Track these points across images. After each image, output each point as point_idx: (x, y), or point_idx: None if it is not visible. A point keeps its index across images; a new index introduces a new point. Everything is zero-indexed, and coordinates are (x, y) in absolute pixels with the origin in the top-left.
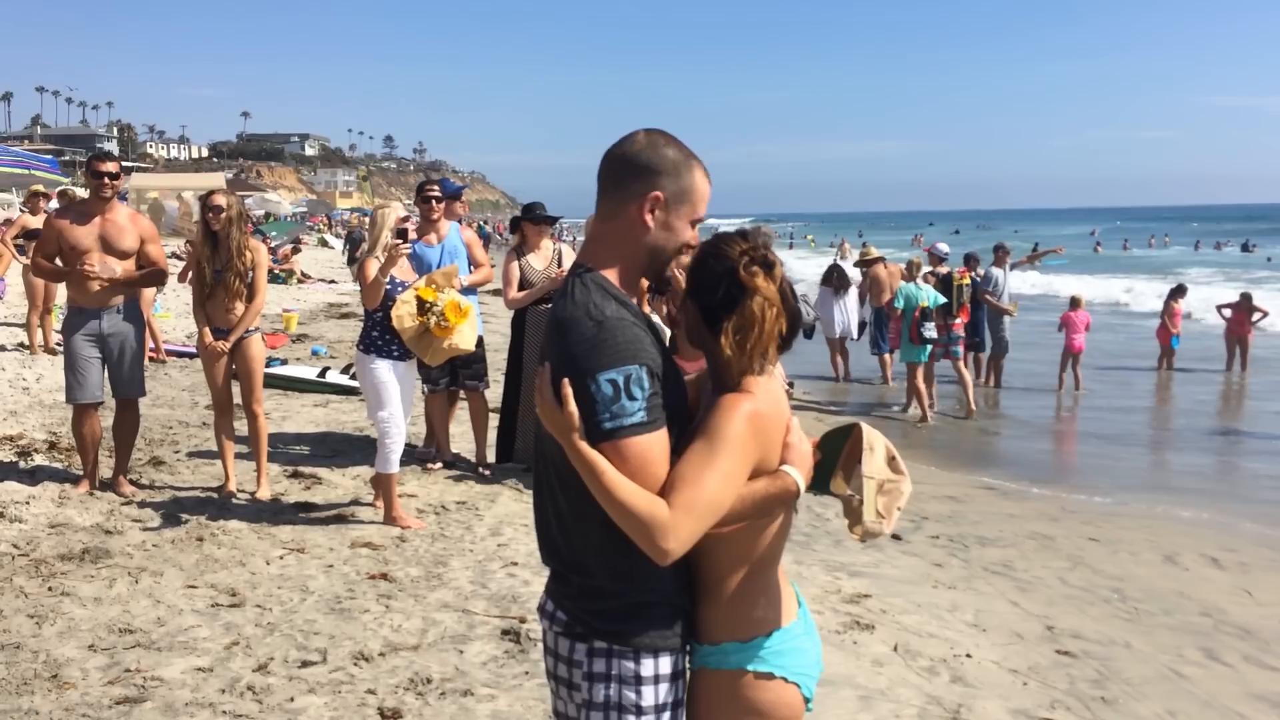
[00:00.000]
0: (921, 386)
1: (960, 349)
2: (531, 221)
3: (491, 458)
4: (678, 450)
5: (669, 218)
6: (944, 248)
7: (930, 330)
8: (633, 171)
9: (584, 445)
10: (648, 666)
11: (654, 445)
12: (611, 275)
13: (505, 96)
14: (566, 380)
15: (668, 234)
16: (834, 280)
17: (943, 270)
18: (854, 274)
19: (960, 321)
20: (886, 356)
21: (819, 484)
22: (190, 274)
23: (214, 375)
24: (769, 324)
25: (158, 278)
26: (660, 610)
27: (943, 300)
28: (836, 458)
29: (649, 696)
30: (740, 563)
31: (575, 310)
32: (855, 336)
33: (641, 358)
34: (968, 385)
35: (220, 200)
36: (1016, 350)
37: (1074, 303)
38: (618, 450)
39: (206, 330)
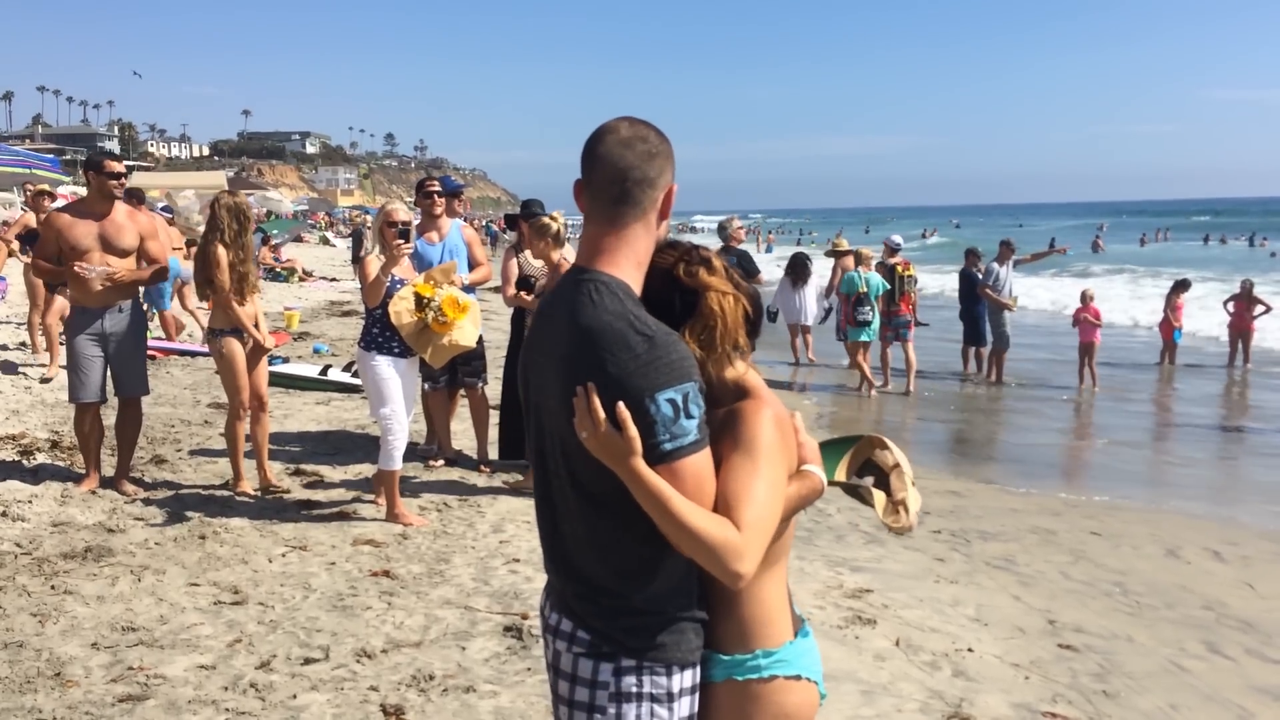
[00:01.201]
0: (862, 363)
1: (909, 331)
2: (528, 219)
3: (493, 455)
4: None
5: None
6: (898, 239)
7: (865, 314)
8: (658, 166)
9: (649, 472)
10: (677, 681)
11: (706, 464)
12: (631, 282)
13: (506, 94)
14: (622, 404)
15: (664, 227)
16: (794, 271)
17: (891, 260)
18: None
19: (903, 309)
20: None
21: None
22: (219, 278)
23: (243, 375)
24: (730, 313)
25: (159, 275)
26: (689, 621)
27: (886, 287)
28: (835, 461)
29: (679, 712)
30: (761, 570)
31: (614, 321)
32: (812, 323)
33: (693, 374)
34: (912, 367)
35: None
36: (1019, 348)
37: (1085, 297)
38: (675, 471)
39: (254, 329)
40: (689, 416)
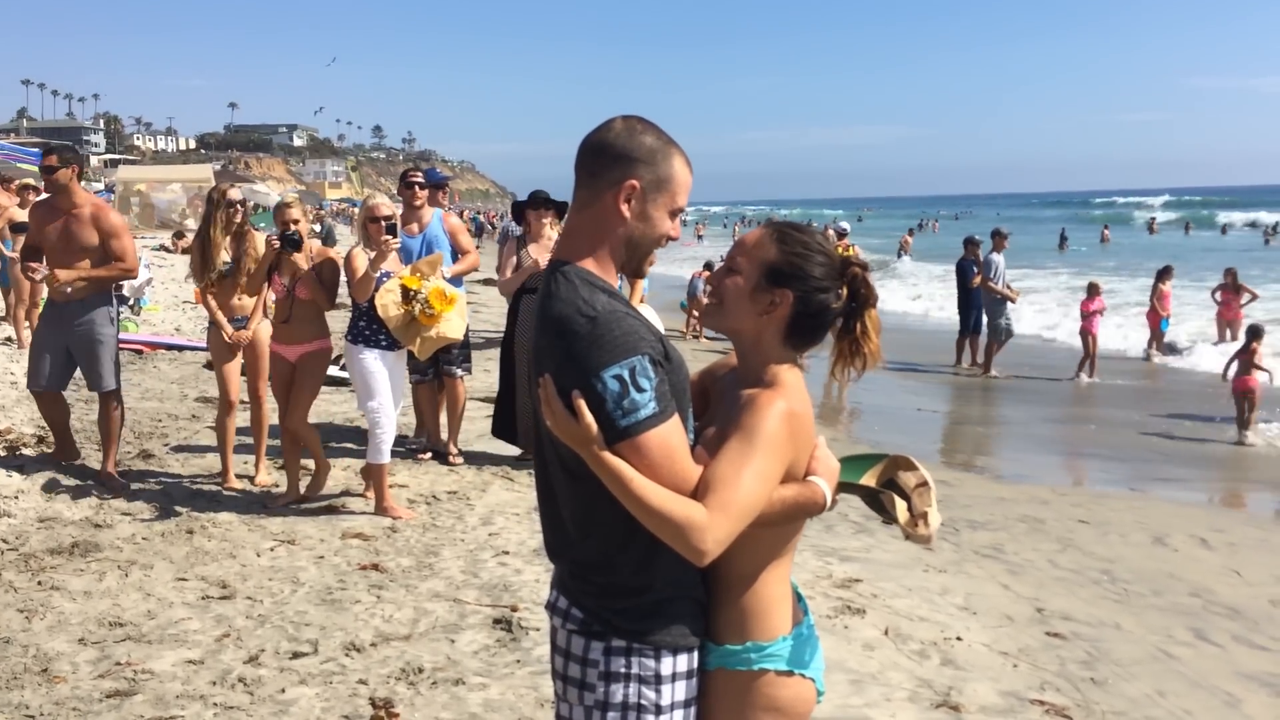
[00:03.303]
0: None
1: None
2: (531, 207)
3: (480, 447)
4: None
5: (646, 208)
6: (845, 225)
7: None
8: (608, 159)
9: (607, 456)
10: (667, 665)
11: (673, 434)
12: (591, 267)
13: (495, 85)
14: (577, 392)
15: (645, 225)
16: None
17: (838, 245)
18: None
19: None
20: None
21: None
22: (195, 268)
23: (229, 368)
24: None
25: (121, 273)
26: (682, 606)
27: None
28: (857, 476)
29: (667, 695)
30: (763, 564)
31: (565, 308)
32: None
33: (641, 348)
34: None
35: (237, 193)
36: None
37: (1091, 289)
38: (637, 447)
39: (226, 322)
40: (639, 390)
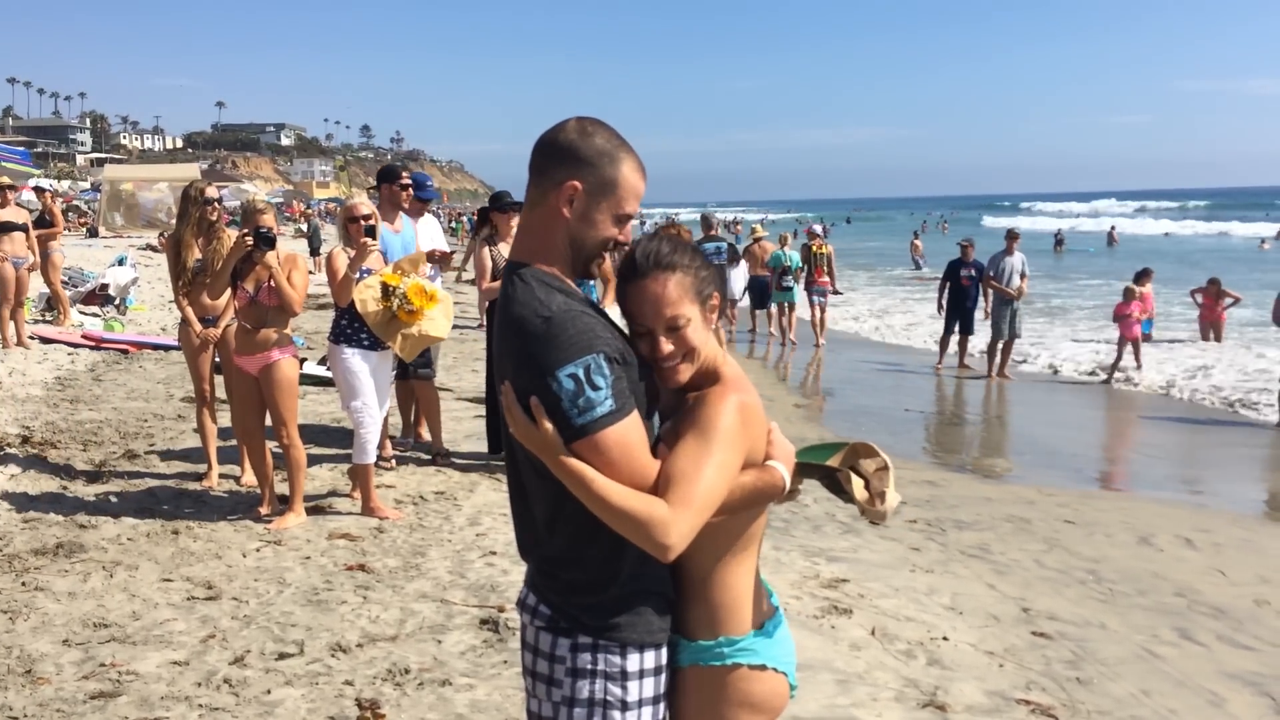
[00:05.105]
0: (787, 320)
1: (825, 298)
2: (500, 210)
3: (468, 447)
4: (657, 442)
5: (588, 210)
6: (818, 228)
7: (787, 282)
8: (555, 159)
9: (567, 459)
10: (634, 661)
11: (631, 431)
12: (546, 267)
13: (483, 86)
14: (535, 399)
15: (585, 227)
16: (726, 255)
17: (810, 242)
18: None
19: (818, 279)
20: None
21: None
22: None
23: (199, 366)
24: None
25: None
26: (649, 603)
27: (799, 263)
28: (819, 460)
29: (634, 692)
30: (728, 557)
31: (521, 310)
32: (738, 299)
33: (596, 345)
34: (824, 325)
35: (215, 191)
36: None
37: (1128, 293)
38: (595, 445)
39: (195, 319)
40: (594, 388)
